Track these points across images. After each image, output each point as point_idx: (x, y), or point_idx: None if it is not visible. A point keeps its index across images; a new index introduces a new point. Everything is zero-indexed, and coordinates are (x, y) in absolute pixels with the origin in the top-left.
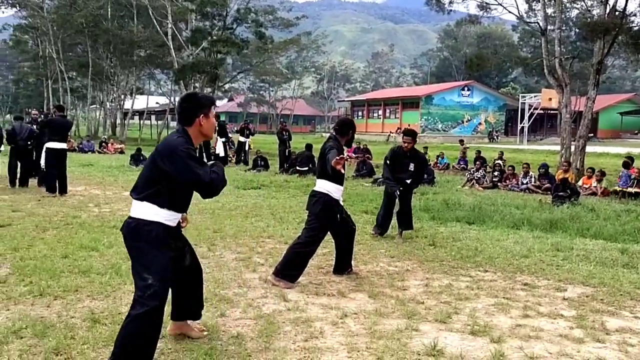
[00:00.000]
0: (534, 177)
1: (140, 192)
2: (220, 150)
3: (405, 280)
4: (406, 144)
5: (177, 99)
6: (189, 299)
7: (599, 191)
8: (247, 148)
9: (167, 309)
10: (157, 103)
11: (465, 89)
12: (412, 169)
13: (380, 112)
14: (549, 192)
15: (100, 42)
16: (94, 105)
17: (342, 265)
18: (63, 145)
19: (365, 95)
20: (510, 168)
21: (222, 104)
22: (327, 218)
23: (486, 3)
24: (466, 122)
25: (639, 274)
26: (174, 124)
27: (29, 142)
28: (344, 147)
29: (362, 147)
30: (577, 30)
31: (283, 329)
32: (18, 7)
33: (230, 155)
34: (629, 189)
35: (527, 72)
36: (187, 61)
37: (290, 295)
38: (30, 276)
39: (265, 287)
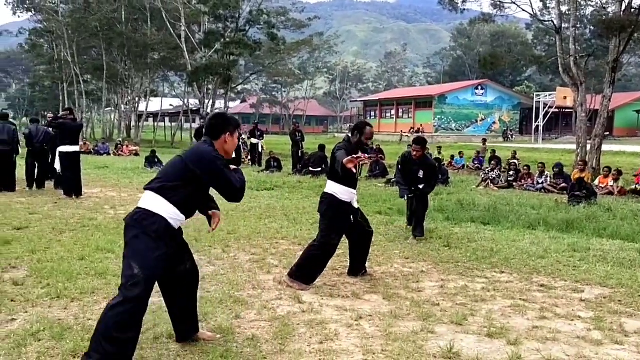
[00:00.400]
0: (550, 177)
1: (156, 184)
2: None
3: (420, 281)
4: (415, 153)
5: (191, 100)
6: (189, 313)
7: (616, 190)
8: (259, 149)
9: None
10: (170, 105)
11: (479, 88)
12: (422, 176)
13: (393, 112)
14: (565, 192)
15: (115, 45)
16: (109, 108)
17: (357, 267)
18: (75, 148)
19: (377, 95)
20: (525, 167)
21: (235, 106)
22: (335, 218)
23: (500, 2)
24: (480, 121)
25: None
26: (187, 125)
27: (45, 145)
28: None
29: (375, 147)
30: (592, 27)
31: (298, 331)
32: (33, 12)
33: (244, 157)
34: None
35: (542, 70)
36: (200, 63)
37: (304, 297)
38: (47, 278)
39: (280, 288)
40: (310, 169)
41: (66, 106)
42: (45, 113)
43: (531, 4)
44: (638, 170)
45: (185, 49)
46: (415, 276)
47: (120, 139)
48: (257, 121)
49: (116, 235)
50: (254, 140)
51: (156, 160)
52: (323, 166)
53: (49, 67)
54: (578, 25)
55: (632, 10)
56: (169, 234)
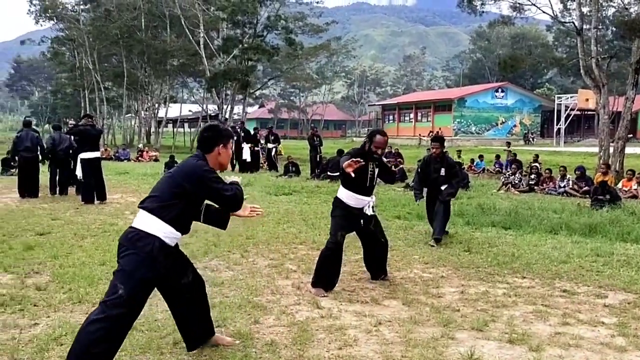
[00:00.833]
0: (572, 180)
1: (150, 204)
2: (247, 156)
3: (440, 287)
4: (434, 150)
5: (210, 106)
6: (193, 322)
7: None
8: (273, 154)
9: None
10: (190, 111)
11: (499, 90)
12: (443, 174)
13: (412, 115)
14: (588, 196)
15: (135, 52)
16: (129, 114)
17: (374, 273)
18: (96, 154)
19: (396, 98)
20: (547, 171)
21: (253, 111)
22: (340, 217)
23: (519, 4)
24: (500, 124)
25: None
26: None
27: (70, 151)
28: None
29: (393, 151)
30: (614, 29)
31: (317, 336)
32: (55, 20)
33: (262, 162)
34: None
35: (563, 72)
36: (218, 69)
37: (323, 302)
38: (69, 283)
39: (299, 293)
40: (329, 173)
41: (87, 113)
42: (67, 120)
43: (551, 5)
44: None
45: (204, 55)
46: (435, 281)
47: (142, 145)
48: (271, 126)
49: None
50: (269, 145)
51: (175, 165)
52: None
53: (70, 75)
54: (600, 27)
55: None
56: (163, 253)
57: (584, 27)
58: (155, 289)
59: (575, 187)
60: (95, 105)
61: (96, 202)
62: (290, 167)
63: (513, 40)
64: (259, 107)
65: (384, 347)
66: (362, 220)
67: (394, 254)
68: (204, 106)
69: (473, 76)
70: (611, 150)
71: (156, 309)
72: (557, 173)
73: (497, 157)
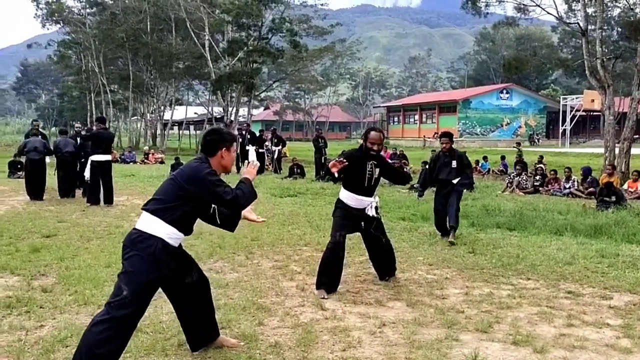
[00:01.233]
0: (577, 181)
1: (153, 206)
2: (252, 158)
3: (445, 288)
4: (444, 145)
5: (215, 108)
6: (197, 323)
7: None
8: (276, 156)
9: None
10: (195, 113)
11: (504, 92)
12: (455, 166)
13: (417, 117)
14: (593, 197)
15: (141, 55)
16: (135, 117)
17: (380, 273)
18: (107, 157)
19: (401, 100)
20: (552, 172)
21: (258, 113)
22: (339, 217)
23: (523, 5)
24: (505, 125)
25: None
26: None
27: (82, 153)
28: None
29: (398, 152)
30: (619, 29)
31: (321, 338)
32: (62, 24)
33: (267, 164)
34: None
35: (568, 73)
36: (224, 72)
37: (327, 304)
38: (75, 285)
39: (303, 295)
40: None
41: (94, 116)
42: (73, 123)
43: (556, 6)
44: None
45: (209, 58)
46: (440, 283)
47: (147, 147)
48: (274, 127)
49: None
50: (273, 148)
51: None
52: None
53: (76, 78)
54: (605, 27)
55: None
56: (166, 254)
57: (589, 27)
58: (160, 289)
59: (581, 188)
60: (102, 108)
61: (103, 205)
62: (295, 169)
63: (518, 42)
64: (264, 109)
65: (388, 349)
66: (362, 222)
67: (398, 255)
68: (210, 108)
69: (478, 77)
70: (617, 151)
71: (161, 310)
72: (563, 174)
73: (503, 157)
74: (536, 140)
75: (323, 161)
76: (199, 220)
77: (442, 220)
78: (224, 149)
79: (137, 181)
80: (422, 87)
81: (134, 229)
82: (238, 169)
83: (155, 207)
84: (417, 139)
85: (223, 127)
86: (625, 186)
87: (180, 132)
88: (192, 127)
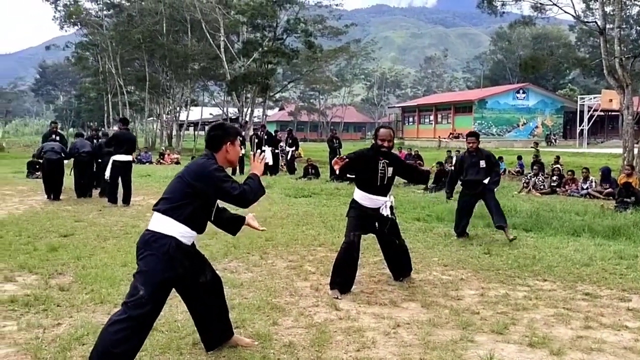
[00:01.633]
0: (595, 182)
1: (163, 206)
2: (269, 159)
3: (460, 289)
4: (471, 144)
5: (230, 109)
6: (211, 322)
7: None
8: (289, 157)
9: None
10: (210, 114)
11: (521, 91)
12: (484, 166)
13: (432, 117)
14: (611, 198)
15: (157, 56)
16: (151, 118)
17: (396, 274)
18: (129, 158)
19: (416, 100)
20: (569, 173)
21: (273, 113)
22: (353, 217)
23: (540, 4)
24: (522, 125)
25: None
26: None
27: (101, 153)
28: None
29: (413, 153)
30: (638, 28)
31: (335, 338)
32: (79, 26)
33: (282, 165)
34: None
35: (586, 73)
36: (239, 72)
37: (341, 304)
38: (91, 284)
39: (317, 295)
40: (348, 175)
41: (111, 117)
42: (90, 124)
43: (573, 5)
44: None
45: (224, 59)
46: (455, 284)
47: (164, 148)
48: (290, 128)
49: None
50: (287, 148)
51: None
52: None
53: (94, 79)
54: (623, 26)
55: None
56: (180, 252)
57: (607, 26)
58: (174, 289)
59: (599, 188)
60: (119, 109)
61: (120, 204)
62: (310, 170)
63: (534, 41)
64: (279, 110)
65: (403, 350)
66: (376, 223)
67: (413, 256)
68: (225, 109)
69: (494, 77)
70: (635, 151)
71: (176, 309)
72: (580, 175)
73: (519, 157)
74: (553, 141)
75: None
76: None
77: (464, 222)
78: (228, 143)
79: (153, 181)
80: (437, 88)
81: (147, 230)
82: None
83: (166, 206)
84: (432, 139)
85: (226, 122)
86: None
87: (196, 132)
88: (207, 127)
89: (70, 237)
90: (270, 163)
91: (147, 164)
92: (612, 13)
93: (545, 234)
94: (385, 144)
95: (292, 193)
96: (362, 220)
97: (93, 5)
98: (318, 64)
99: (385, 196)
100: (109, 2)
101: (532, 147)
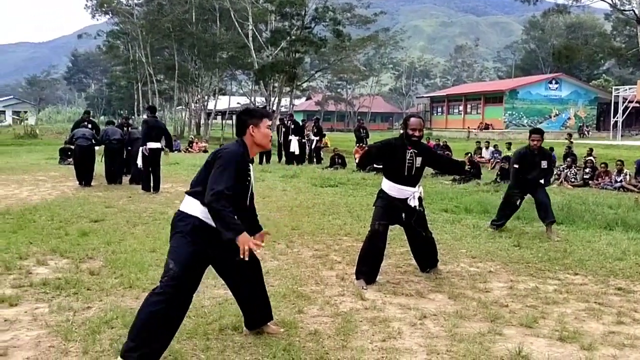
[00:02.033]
0: (630, 175)
1: (191, 189)
2: (295, 148)
3: (488, 282)
4: (535, 142)
5: (257, 98)
6: (255, 300)
7: None
8: (314, 146)
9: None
10: (238, 103)
11: (553, 82)
12: (545, 166)
13: (461, 107)
14: None
15: (186, 45)
16: (180, 107)
17: (422, 265)
18: (158, 145)
19: (445, 90)
20: (602, 165)
21: (300, 103)
22: (379, 207)
23: None
24: (554, 116)
25: None
26: None
27: (132, 140)
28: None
29: (441, 144)
30: None
31: (360, 327)
32: (111, 15)
33: (308, 154)
34: None
35: (621, 63)
36: (266, 61)
37: (367, 294)
38: (121, 269)
39: (343, 285)
40: (375, 165)
41: (141, 105)
42: (121, 112)
43: None
44: None
45: (252, 48)
46: (483, 276)
47: (192, 136)
48: (316, 117)
49: None
50: (312, 137)
51: None
52: None
53: (124, 68)
54: None
55: None
56: (203, 231)
57: None
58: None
59: (633, 181)
60: (148, 98)
61: (150, 191)
62: (337, 159)
63: (568, 30)
64: (306, 100)
65: (429, 341)
66: (403, 214)
67: (440, 247)
68: (252, 98)
69: (526, 67)
70: None
71: (203, 295)
72: (614, 167)
73: (551, 149)
74: (586, 133)
75: None
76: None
77: (508, 217)
78: (252, 126)
79: (181, 169)
80: (467, 77)
81: (178, 210)
82: (279, 157)
83: (193, 189)
84: (461, 130)
85: (253, 106)
86: None
87: (224, 121)
88: (234, 116)
89: (101, 223)
90: (297, 152)
91: (176, 152)
92: None
93: (577, 227)
94: (417, 133)
95: (319, 182)
96: (388, 210)
97: None
98: (346, 53)
99: (414, 187)
100: None
101: (565, 139)
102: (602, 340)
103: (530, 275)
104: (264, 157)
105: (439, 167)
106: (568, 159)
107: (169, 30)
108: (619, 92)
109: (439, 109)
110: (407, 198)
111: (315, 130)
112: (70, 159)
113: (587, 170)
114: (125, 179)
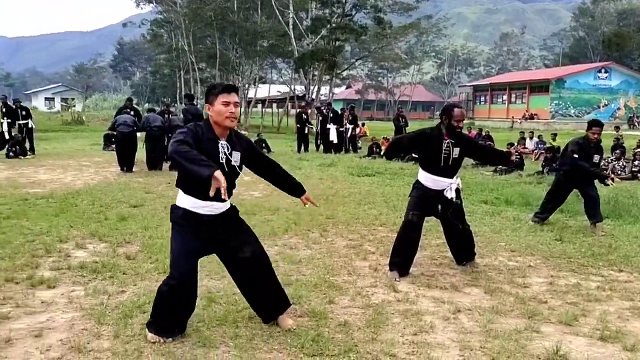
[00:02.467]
0: None
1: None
2: (333, 137)
3: (527, 276)
4: (596, 135)
5: (297, 87)
6: (258, 296)
7: None
8: (349, 134)
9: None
10: (278, 92)
11: (602, 71)
12: (596, 160)
13: (505, 97)
14: None
15: (227, 33)
16: None
17: (458, 258)
18: None
19: (489, 79)
20: None
21: (340, 92)
22: (414, 197)
23: None
24: (603, 107)
25: None
26: (293, 111)
27: (173, 127)
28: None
29: (484, 134)
30: None
31: (392, 320)
32: (155, 3)
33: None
34: None
35: None
36: (306, 50)
37: (400, 286)
38: (156, 254)
39: (375, 275)
40: (413, 155)
41: (183, 93)
42: (164, 100)
43: None
44: None
45: (292, 36)
46: (522, 270)
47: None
48: (351, 105)
49: None
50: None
51: (263, 145)
52: None
53: (168, 56)
54: None
55: None
56: (189, 220)
57: None
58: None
59: None
60: (190, 86)
61: None
62: (375, 149)
63: (619, 17)
64: (346, 88)
65: (462, 336)
66: (439, 205)
67: (478, 239)
68: (292, 87)
69: (574, 55)
70: None
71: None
72: None
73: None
74: (636, 124)
75: None
76: (276, 196)
77: (553, 210)
78: (207, 105)
79: None
80: (513, 66)
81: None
82: (317, 147)
83: (177, 180)
84: (505, 119)
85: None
86: None
87: (263, 109)
88: (274, 105)
89: (140, 208)
90: (335, 141)
91: None
92: None
93: (624, 221)
94: (461, 124)
95: (356, 172)
96: (423, 200)
97: None
98: (387, 40)
99: (451, 178)
100: None
101: (614, 130)
102: None
103: (571, 271)
104: (302, 146)
105: (481, 157)
106: (616, 151)
107: (211, 19)
108: None
109: (482, 98)
110: (444, 189)
111: (350, 118)
112: (114, 146)
113: (636, 162)
114: (166, 165)
